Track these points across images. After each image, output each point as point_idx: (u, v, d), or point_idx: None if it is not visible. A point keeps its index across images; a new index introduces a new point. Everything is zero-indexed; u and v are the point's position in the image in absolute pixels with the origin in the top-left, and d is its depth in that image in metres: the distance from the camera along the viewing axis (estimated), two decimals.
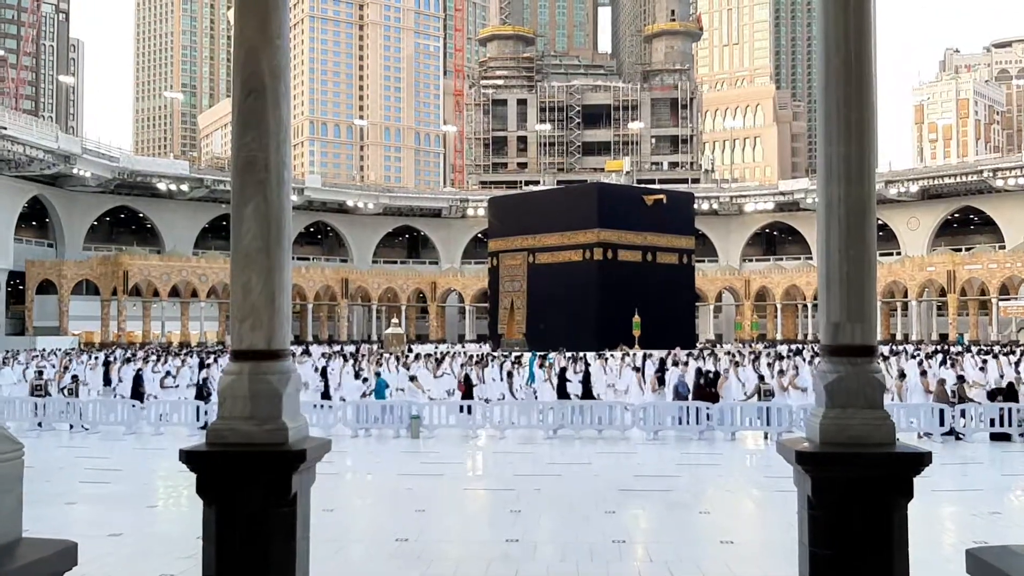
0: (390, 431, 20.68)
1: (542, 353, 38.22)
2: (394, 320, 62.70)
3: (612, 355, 37.91)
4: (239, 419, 5.65)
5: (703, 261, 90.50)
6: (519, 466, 16.69)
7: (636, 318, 50.28)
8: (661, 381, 23.46)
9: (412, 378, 24.82)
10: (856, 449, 5.48)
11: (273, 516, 5.49)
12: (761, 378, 22.42)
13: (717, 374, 22.56)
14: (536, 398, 23.62)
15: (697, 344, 62.19)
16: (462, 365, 29.86)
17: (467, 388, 23.12)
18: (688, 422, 20.01)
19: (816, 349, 43.29)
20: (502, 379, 28.13)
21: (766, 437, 19.72)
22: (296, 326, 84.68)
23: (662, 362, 30.47)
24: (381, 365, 32.17)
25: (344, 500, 13.12)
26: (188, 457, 5.58)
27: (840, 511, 5.37)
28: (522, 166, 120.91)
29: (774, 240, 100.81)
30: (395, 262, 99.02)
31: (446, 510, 12.39)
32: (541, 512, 12.14)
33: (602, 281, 54.33)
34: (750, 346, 60.46)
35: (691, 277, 60.75)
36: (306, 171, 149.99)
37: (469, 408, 21.02)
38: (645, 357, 34.10)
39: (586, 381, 25.88)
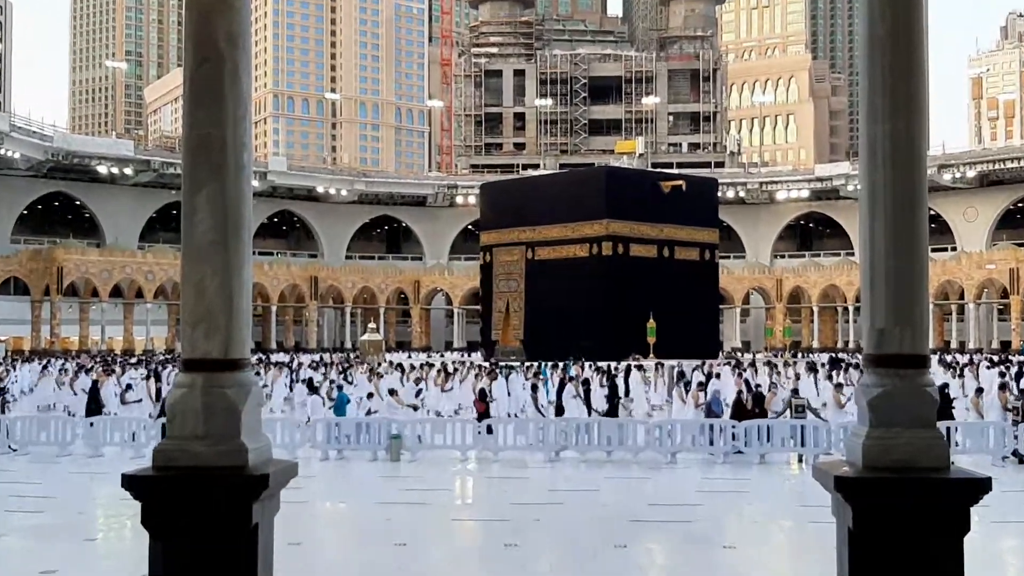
0: (366, 453, 20.68)
1: (551, 364, 38.20)
2: (371, 325, 62.52)
3: (644, 365, 37.92)
4: (191, 439, 5.65)
5: (728, 257, 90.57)
6: (515, 493, 16.68)
7: (651, 323, 50.25)
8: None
9: (391, 391, 24.82)
10: (904, 474, 5.49)
11: (230, 551, 5.48)
12: (795, 391, 22.42)
13: (761, 393, 22.54)
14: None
15: (722, 353, 62.18)
16: (476, 376, 29.90)
17: (484, 405, 23.17)
18: (712, 442, 20.02)
19: (858, 360, 43.33)
20: (509, 392, 28.19)
21: (800, 460, 19.76)
22: (257, 331, 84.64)
23: (707, 376, 30.64)
24: (346, 377, 32.19)
25: (312, 532, 13.13)
26: (131, 483, 5.56)
27: (885, 546, 5.37)
28: (519, 147, 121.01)
29: (810, 233, 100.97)
30: (372, 258, 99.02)
31: (430, 544, 12.39)
32: (540, 547, 12.15)
33: (611, 280, 54.32)
34: (789, 355, 60.57)
35: (714, 276, 60.78)
36: (269, 152, 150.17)
37: (489, 428, 21.00)
38: (680, 375, 34.08)
39: (612, 396, 25.91)
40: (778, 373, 35.50)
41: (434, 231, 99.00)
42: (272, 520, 5.82)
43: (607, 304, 53.65)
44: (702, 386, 24.45)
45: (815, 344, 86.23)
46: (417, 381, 28.28)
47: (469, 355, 68.21)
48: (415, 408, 25.61)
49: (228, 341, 5.65)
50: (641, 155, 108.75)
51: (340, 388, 25.93)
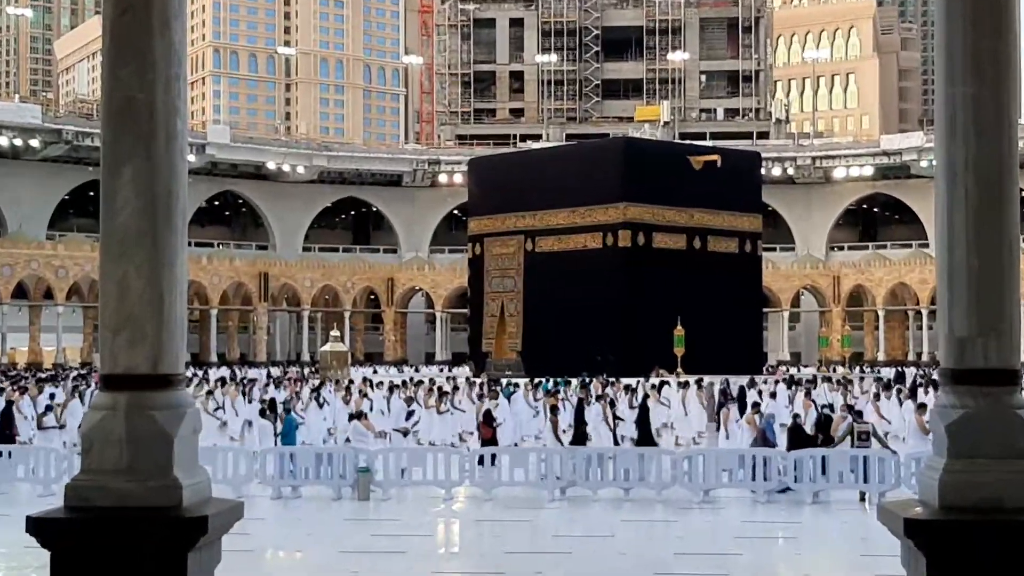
0: (328, 490, 20.68)
1: (555, 380, 38.21)
2: (334, 332, 62.52)
3: (668, 382, 37.99)
4: (111, 473, 5.64)
5: (774, 249, 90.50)
6: (512, 540, 16.69)
7: (678, 330, 50.23)
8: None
9: (358, 415, 24.82)
10: (990, 516, 5.48)
11: None
12: (858, 413, 22.44)
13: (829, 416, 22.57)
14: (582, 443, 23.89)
15: (767, 368, 62.29)
16: (480, 397, 29.95)
17: (491, 430, 23.08)
18: (755, 476, 20.04)
19: (935, 375, 43.33)
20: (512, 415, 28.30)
21: (863, 499, 19.79)
22: (194, 341, 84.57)
23: (747, 394, 30.76)
24: (318, 397, 32.15)
25: None
26: (38, 526, 5.56)
27: None
28: (517, 114, 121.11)
29: (874, 220, 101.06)
30: (336, 250, 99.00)
31: None
32: None
33: (630, 278, 54.32)
34: (848, 369, 60.47)
35: (757, 272, 60.80)
36: (208, 120, 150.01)
37: (480, 459, 21.00)
38: (725, 394, 34.13)
39: (643, 420, 25.92)
40: (850, 391, 35.66)
41: (412, 217, 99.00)
42: (213, 572, 5.82)
43: (624, 307, 53.63)
44: (758, 408, 24.46)
45: (880, 356, 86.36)
46: (409, 401, 28.31)
47: (452, 370, 68.07)
48: (405, 434, 25.59)
49: (158, 353, 5.64)
50: (667, 123, 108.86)
51: (288, 410, 25.91)
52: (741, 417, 26.11)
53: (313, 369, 63.14)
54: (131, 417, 5.65)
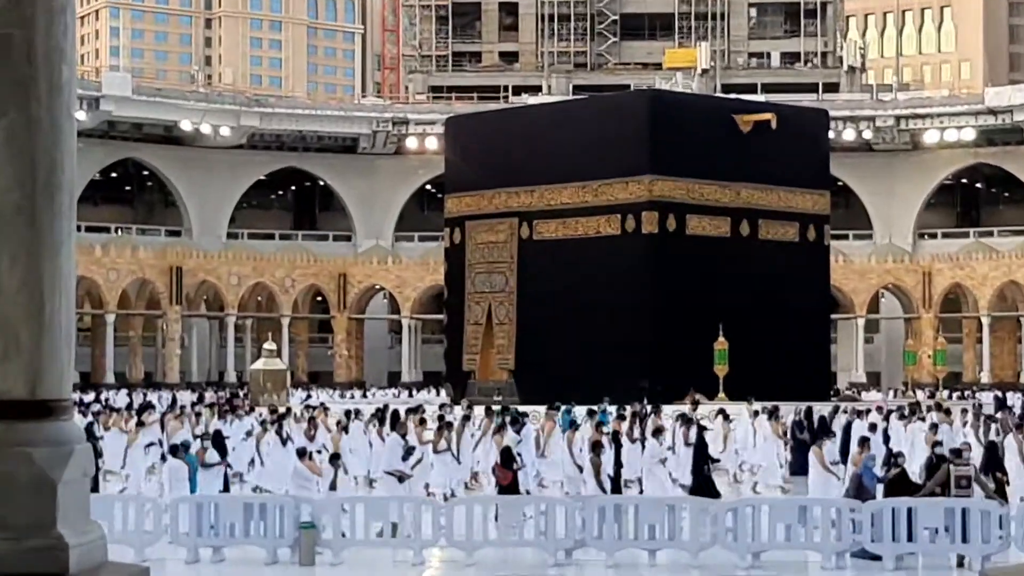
0: (260, 551, 20.65)
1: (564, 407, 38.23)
2: (268, 345, 62.34)
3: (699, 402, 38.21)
4: None
5: (845, 237, 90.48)
6: None
7: (720, 343, 50.17)
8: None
9: (300, 453, 24.79)
10: None
11: None
12: (955, 453, 22.38)
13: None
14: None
15: (836, 389, 61.96)
16: (497, 430, 29.97)
17: (511, 473, 23.30)
18: (820, 534, 20.02)
19: None
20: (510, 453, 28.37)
21: (961, 564, 19.80)
22: (84, 356, 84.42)
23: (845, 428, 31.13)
24: (280, 431, 32.27)
25: None
26: None
27: None
28: (508, 59, 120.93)
29: (976, 198, 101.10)
30: (271, 237, 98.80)
31: None
32: None
33: (657, 274, 54.21)
34: (942, 394, 60.46)
35: (823, 267, 60.72)
36: (104, 66, 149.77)
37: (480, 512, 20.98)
38: (800, 426, 34.32)
39: (700, 459, 25.95)
40: (985, 422, 35.86)
41: (371, 194, 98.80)
42: None
43: (650, 313, 53.56)
44: (867, 445, 24.44)
45: (984, 377, 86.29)
46: (404, 435, 28.32)
47: (422, 394, 68.06)
48: (400, 479, 25.51)
49: (36, 372, 5.61)
50: (705, 72, 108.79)
51: (187, 448, 25.88)
52: (840, 457, 26.27)
53: (244, 392, 62.97)
54: (1, 456, 5.63)
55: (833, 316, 73.38)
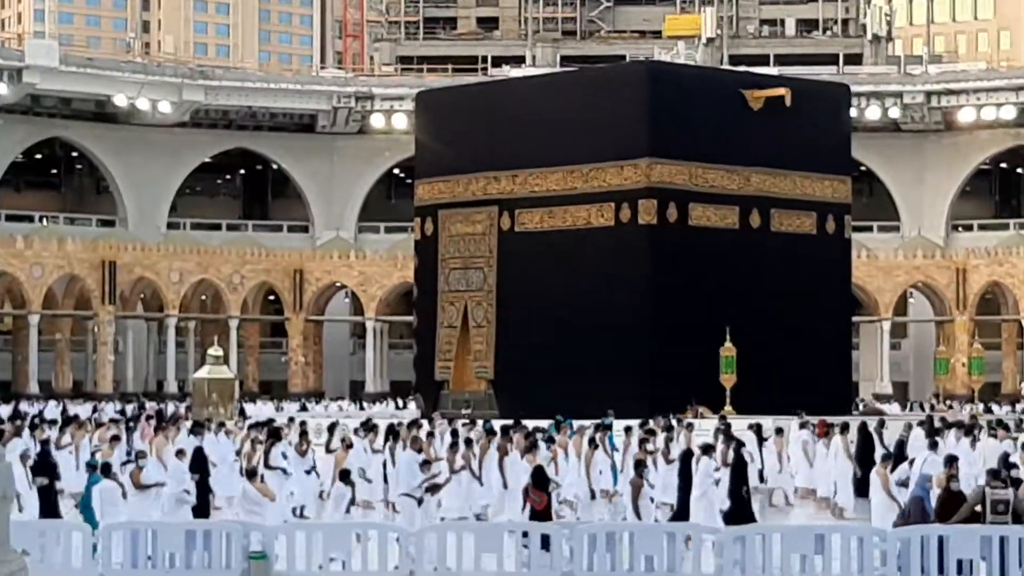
0: None
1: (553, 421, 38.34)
2: (214, 351, 62.28)
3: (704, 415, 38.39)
4: None
5: (869, 229, 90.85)
6: None
7: (727, 349, 50.22)
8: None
9: (251, 474, 24.80)
10: None
11: None
12: (993, 473, 22.46)
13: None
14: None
15: (859, 404, 61.98)
16: (529, 448, 29.93)
17: (546, 497, 23.47)
18: (842, 566, 20.07)
19: None
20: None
21: None
22: (4, 363, 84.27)
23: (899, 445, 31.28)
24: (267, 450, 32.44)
25: None
26: None
27: None
28: (488, 25, 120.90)
29: (1017, 186, 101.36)
30: (217, 227, 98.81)
31: None
32: None
33: (656, 270, 54.23)
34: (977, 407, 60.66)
35: (844, 262, 60.79)
36: (26, 34, 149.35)
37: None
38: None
39: (738, 480, 26.09)
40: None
41: (330, 179, 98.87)
42: None
43: (648, 314, 53.64)
44: (953, 463, 24.39)
45: None
46: (420, 450, 28.30)
47: (402, 402, 68.06)
48: (420, 502, 25.54)
49: None
50: (711, 41, 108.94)
51: (92, 467, 25.91)
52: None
53: (185, 404, 62.96)
54: None
55: (855, 319, 73.41)
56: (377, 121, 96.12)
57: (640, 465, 25.48)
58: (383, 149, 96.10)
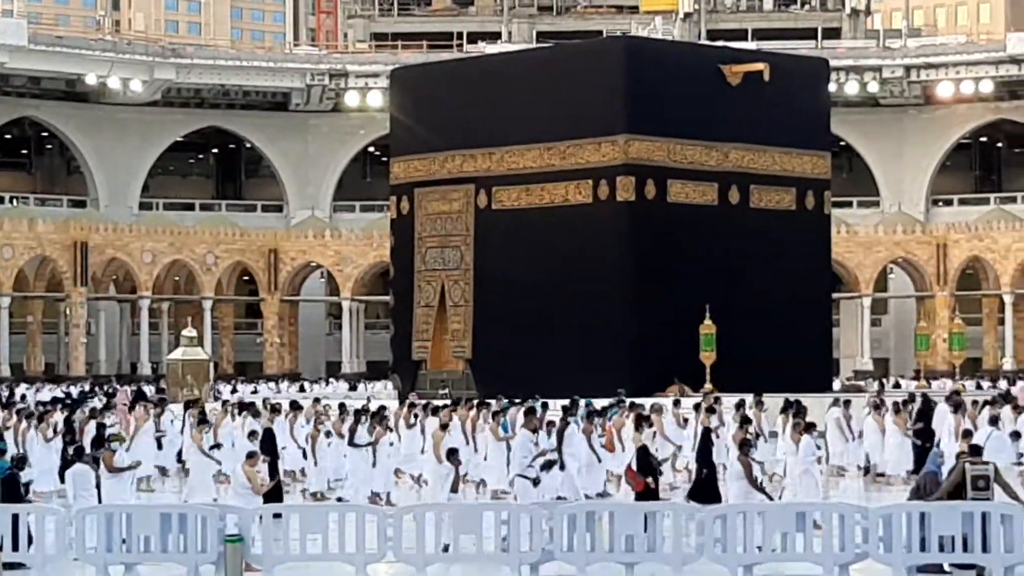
0: (181, 568, 20.60)
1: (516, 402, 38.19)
2: (188, 332, 62.18)
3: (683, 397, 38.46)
4: None
5: (848, 204, 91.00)
6: None
7: (707, 326, 50.29)
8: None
9: (250, 455, 24.54)
10: None
11: None
12: (973, 449, 22.47)
13: None
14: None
15: (837, 379, 61.98)
16: (645, 420, 29.80)
17: (647, 479, 23.66)
18: (823, 544, 20.10)
19: None
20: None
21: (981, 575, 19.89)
22: None
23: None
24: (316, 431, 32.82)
25: None
26: None
27: None
28: (462, 1, 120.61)
29: (997, 160, 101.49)
30: (191, 207, 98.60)
31: None
32: None
33: (635, 247, 54.22)
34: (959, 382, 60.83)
35: (823, 238, 60.87)
36: None
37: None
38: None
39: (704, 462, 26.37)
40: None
41: (305, 158, 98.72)
42: None
43: (629, 290, 53.67)
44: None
45: (1007, 363, 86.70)
46: (534, 429, 28.19)
47: (377, 384, 68.03)
48: (536, 482, 25.33)
49: None
50: (688, 15, 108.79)
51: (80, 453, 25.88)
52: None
53: (159, 386, 62.82)
54: None
55: (835, 295, 73.60)
56: (351, 99, 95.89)
57: (745, 444, 25.39)
58: (358, 127, 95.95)
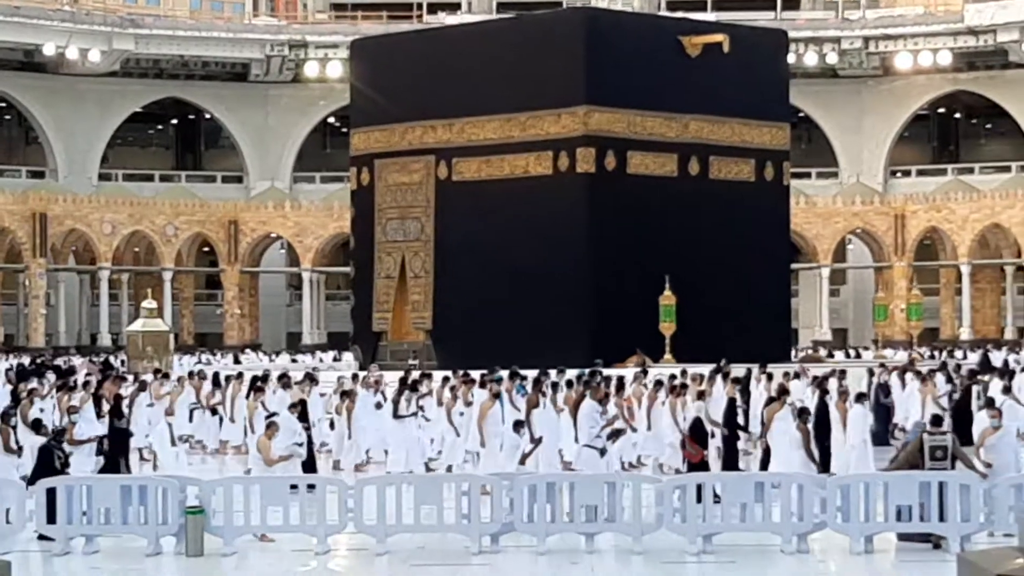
0: (140, 540, 20.59)
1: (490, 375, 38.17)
2: (148, 304, 61.99)
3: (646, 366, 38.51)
4: None
5: (807, 175, 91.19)
6: None
7: (667, 297, 50.35)
8: None
9: (269, 425, 24.41)
10: None
11: None
12: (935, 420, 22.59)
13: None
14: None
15: (796, 350, 62.09)
16: (700, 395, 29.61)
17: (703, 450, 23.97)
18: (782, 514, 20.19)
19: None
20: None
21: (937, 546, 20.05)
22: None
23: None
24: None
25: None
26: None
27: None
28: None
29: (954, 131, 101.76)
30: (150, 178, 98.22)
31: None
32: None
33: (595, 218, 54.09)
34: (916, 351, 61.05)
35: (783, 209, 60.93)
36: None
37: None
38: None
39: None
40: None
41: (264, 129, 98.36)
42: None
43: (586, 263, 53.64)
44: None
45: (964, 333, 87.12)
46: (601, 400, 28.24)
47: (342, 353, 68.05)
48: (603, 452, 25.28)
49: None
50: None
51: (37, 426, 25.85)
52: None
53: (120, 357, 62.65)
54: None
55: (794, 266, 73.81)
56: (311, 69, 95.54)
57: (804, 412, 25.48)
58: (318, 98, 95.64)
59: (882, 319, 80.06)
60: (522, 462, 24.19)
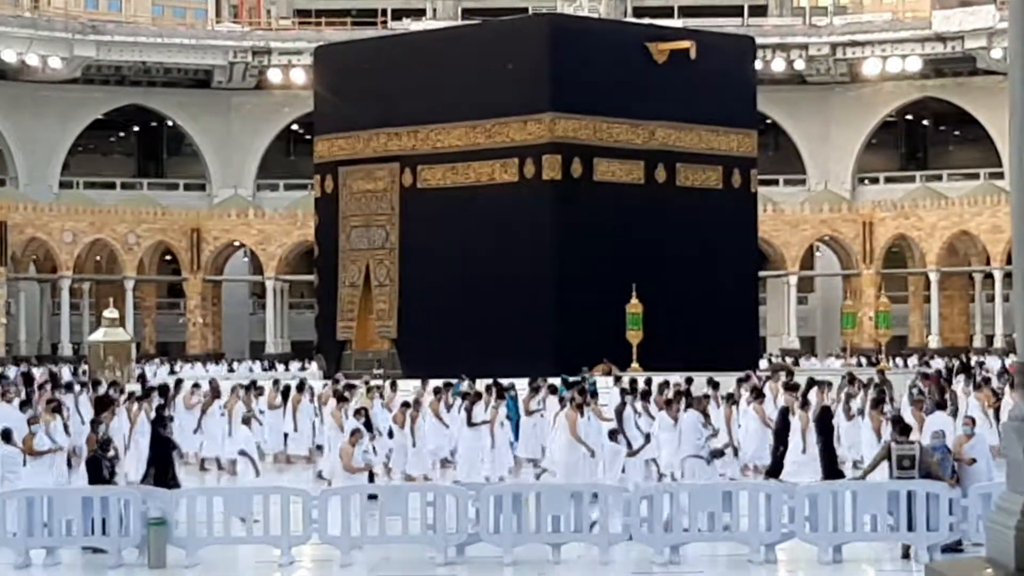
0: (107, 556, 20.51)
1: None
2: (109, 313, 61.81)
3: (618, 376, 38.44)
4: None
5: (775, 183, 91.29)
6: None
7: (633, 305, 50.37)
8: None
9: (353, 432, 24.41)
10: None
11: None
12: (899, 428, 22.62)
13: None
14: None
15: (765, 358, 62.22)
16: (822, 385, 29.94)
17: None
18: (750, 523, 20.24)
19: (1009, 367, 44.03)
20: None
21: (906, 555, 20.15)
22: None
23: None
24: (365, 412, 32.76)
25: None
26: None
27: None
28: None
29: (923, 138, 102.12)
30: (112, 186, 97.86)
31: None
32: None
33: (561, 226, 54.06)
34: (880, 359, 61.21)
35: (750, 217, 61.08)
36: None
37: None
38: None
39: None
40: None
41: (227, 136, 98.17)
42: None
43: (553, 272, 53.65)
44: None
45: (932, 341, 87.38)
46: (704, 411, 28.20)
47: (305, 363, 67.87)
48: (709, 461, 25.35)
49: None
50: None
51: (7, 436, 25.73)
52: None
53: (81, 367, 62.46)
54: None
55: (762, 273, 73.94)
56: (275, 76, 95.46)
57: (786, 417, 25.57)
58: (281, 105, 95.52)
59: (850, 327, 79.79)
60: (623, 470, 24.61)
